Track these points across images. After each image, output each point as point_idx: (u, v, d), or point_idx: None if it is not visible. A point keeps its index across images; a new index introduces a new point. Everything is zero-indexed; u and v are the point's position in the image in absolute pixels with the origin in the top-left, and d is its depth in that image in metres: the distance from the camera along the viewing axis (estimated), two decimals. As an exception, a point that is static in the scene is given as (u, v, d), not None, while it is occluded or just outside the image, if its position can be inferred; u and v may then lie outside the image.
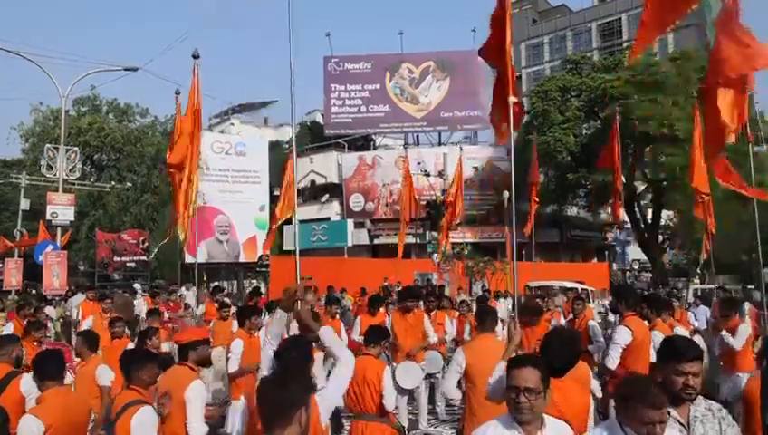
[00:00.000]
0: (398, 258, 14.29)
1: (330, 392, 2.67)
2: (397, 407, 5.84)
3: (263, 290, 16.91)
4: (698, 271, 27.96)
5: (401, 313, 6.45)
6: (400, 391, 5.79)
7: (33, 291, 16.79)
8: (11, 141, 65.86)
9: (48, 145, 20.67)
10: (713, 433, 2.43)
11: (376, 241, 31.35)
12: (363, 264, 21.77)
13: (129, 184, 32.65)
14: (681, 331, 5.36)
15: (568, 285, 15.02)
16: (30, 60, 18.61)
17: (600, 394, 4.35)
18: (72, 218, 18.85)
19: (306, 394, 2.06)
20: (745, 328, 5.99)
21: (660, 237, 31.60)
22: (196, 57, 7.33)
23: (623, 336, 4.54)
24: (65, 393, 3.33)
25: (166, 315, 10.08)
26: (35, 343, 6.42)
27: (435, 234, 26.01)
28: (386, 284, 15.26)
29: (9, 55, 18.43)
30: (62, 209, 17.85)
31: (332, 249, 29.41)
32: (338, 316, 7.91)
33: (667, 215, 31.17)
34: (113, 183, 29.96)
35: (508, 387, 2.32)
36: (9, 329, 8.55)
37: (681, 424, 2.43)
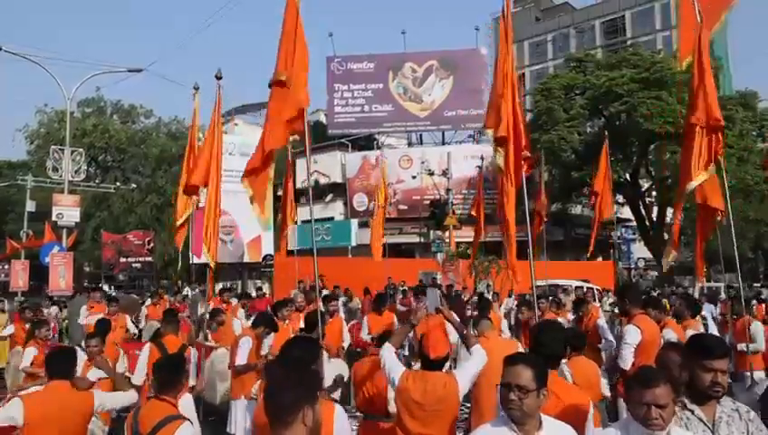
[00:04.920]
0: (377, 259, 14.20)
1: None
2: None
3: (265, 290, 16.87)
4: (704, 268, 27.85)
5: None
6: None
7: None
8: (16, 143, 66.15)
9: (53, 147, 20.75)
10: None
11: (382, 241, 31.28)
12: (367, 263, 21.74)
13: (134, 185, 32.75)
14: (692, 332, 5.32)
15: (575, 284, 14.98)
16: (35, 62, 18.70)
17: (608, 393, 4.34)
18: (78, 220, 18.93)
19: (311, 393, 2.00)
20: (758, 327, 5.95)
21: (666, 235, 31.48)
22: (219, 78, 6.75)
23: (633, 336, 4.53)
24: (65, 389, 3.24)
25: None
26: (41, 341, 6.46)
27: (439, 233, 25.99)
28: (390, 283, 15.26)
29: (14, 58, 18.51)
30: (67, 211, 17.93)
31: (336, 249, 29.41)
32: (338, 314, 7.86)
33: (672, 212, 31.06)
34: (118, 184, 30.06)
35: (501, 384, 2.30)
36: (11, 331, 8.62)
37: (705, 424, 2.38)
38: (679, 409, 2.37)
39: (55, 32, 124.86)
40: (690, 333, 5.27)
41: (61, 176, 19.34)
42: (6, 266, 20.90)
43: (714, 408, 2.40)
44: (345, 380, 4.40)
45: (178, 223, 8.10)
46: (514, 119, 4.54)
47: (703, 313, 9.76)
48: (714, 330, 7.45)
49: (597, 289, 15.49)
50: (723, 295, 12.78)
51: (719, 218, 5.30)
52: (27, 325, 7.49)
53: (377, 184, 15.02)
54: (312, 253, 5.02)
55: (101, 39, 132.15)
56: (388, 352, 3.30)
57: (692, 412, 2.37)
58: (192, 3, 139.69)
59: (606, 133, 13.33)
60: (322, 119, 37.42)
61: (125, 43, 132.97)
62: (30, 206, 24.35)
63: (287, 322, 6.64)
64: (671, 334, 4.80)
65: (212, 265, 7.15)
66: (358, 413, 4.16)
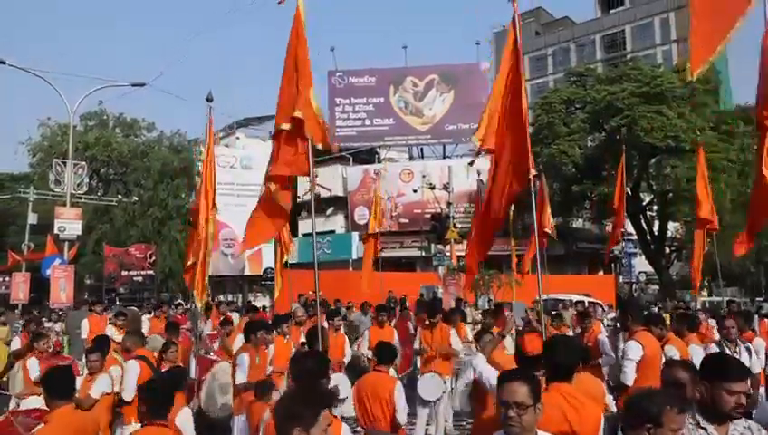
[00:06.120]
0: (370, 272, 14.25)
1: None
2: (414, 422, 5.81)
3: (265, 304, 16.83)
4: (705, 283, 27.79)
5: (427, 329, 6.62)
6: (421, 402, 5.78)
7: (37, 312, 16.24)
8: (19, 156, 66.40)
9: (56, 160, 20.85)
10: None
11: (381, 254, 31.27)
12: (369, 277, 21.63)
13: (136, 198, 32.81)
14: (696, 347, 5.29)
15: (576, 298, 14.94)
16: (39, 76, 18.89)
17: (614, 409, 4.32)
18: (80, 232, 18.97)
19: (311, 412, 2.01)
20: (761, 343, 5.91)
21: (667, 249, 31.45)
22: (210, 100, 6.67)
23: (635, 351, 4.52)
24: (71, 413, 3.23)
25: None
26: (40, 356, 6.42)
27: (440, 246, 25.96)
28: (391, 296, 15.24)
29: (18, 71, 18.72)
30: (69, 223, 17.98)
31: (337, 262, 29.39)
32: (341, 330, 7.85)
33: (673, 226, 31.03)
34: (120, 197, 30.13)
35: (499, 402, 2.32)
36: (16, 344, 8.57)
37: None
38: (693, 427, 2.40)
39: (59, 46, 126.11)
40: (694, 347, 5.26)
41: (63, 189, 19.40)
42: (7, 279, 20.89)
43: (727, 426, 2.43)
44: (345, 395, 4.39)
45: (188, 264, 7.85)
46: (515, 133, 4.45)
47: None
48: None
49: (597, 303, 15.41)
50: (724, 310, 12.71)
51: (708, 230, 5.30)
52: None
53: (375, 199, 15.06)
54: (312, 266, 4.99)
55: (105, 53, 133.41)
56: (482, 362, 3.45)
57: (705, 431, 2.40)
58: (195, 20, 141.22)
59: (624, 152, 13.75)
60: (324, 132, 37.57)
61: (127, 58, 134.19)
62: (32, 218, 24.37)
63: (288, 337, 6.61)
64: (673, 352, 4.78)
65: (200, 305, 7.02)
66: (359, 428, 4.15)
